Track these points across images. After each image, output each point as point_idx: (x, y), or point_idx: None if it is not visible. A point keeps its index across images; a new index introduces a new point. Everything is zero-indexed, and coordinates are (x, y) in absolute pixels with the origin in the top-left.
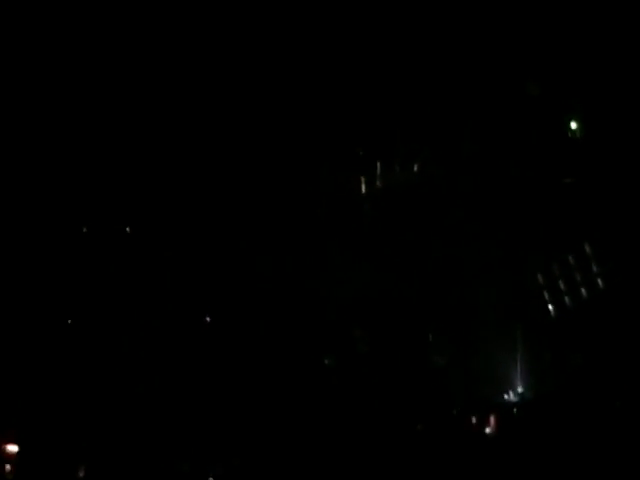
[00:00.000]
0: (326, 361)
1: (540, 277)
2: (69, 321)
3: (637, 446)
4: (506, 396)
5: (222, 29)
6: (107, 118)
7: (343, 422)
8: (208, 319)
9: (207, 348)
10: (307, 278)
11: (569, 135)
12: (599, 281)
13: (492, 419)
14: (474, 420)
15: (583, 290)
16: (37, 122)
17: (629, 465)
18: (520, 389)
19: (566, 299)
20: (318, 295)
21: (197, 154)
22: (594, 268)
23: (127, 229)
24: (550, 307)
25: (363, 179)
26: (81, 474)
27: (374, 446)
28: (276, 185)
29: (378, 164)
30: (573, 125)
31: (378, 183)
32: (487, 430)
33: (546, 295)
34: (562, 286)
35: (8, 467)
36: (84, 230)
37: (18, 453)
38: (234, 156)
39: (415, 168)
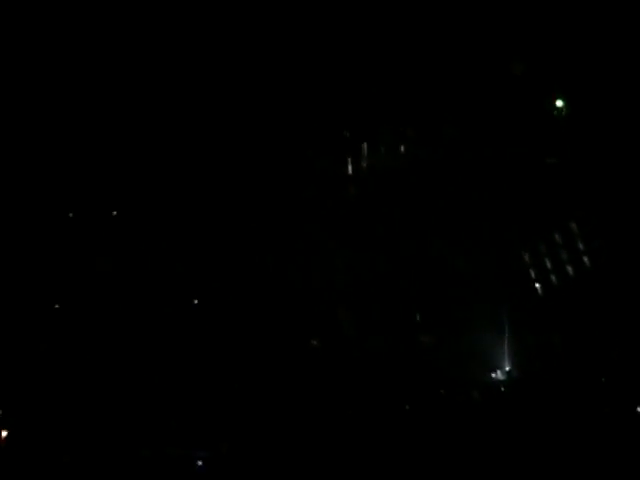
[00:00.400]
0: (314, 342)
1: (526, 256)
2: (56, 306)
3: (623, 424)
4: (493, 375)
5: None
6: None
7: (331, 404)
8: (195, 302)
9: (194, 333)
10: (293, 260)
11: (554, 114)
12: (585, 259)
13: (479, 398)
14: (462, 399)
15: (569, 269)
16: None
17: (616, 442)
18: (507, 368)
19: (552, 278)
20: (305, 277)
21: (183, 136)
22: (580, 247)
23: (114, 213)
24: (537, 286)
25: (349, 160)
26: (68, 458)
27: (362, 427)
28: (262, 168)
29: (364, 145)
30: (558, 103)
31: (364, 164)
32: (474, 409)
33: (532, 274)
34: (548, 265)
35: None
36: (70, 215)
37: (7, 438)
38: (221, 140)
39: (401, 149)
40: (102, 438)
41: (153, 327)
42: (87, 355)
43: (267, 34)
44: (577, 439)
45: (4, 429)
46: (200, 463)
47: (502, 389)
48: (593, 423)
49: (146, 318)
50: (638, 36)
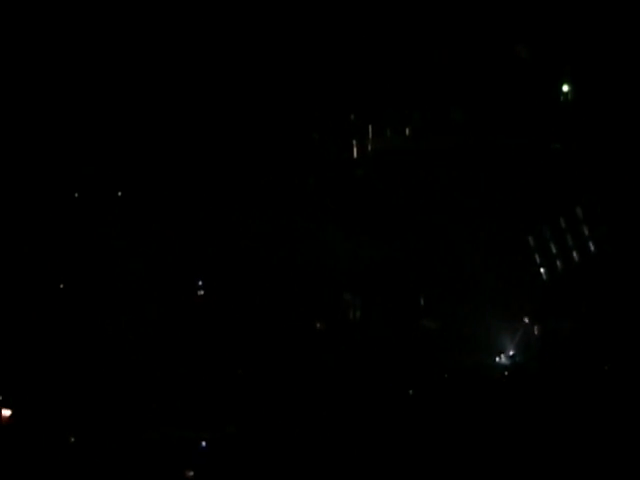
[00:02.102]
0: (318, 325)
1: (531, 241)
2: (61, 285)
3: (625, 409)
4: (497, 359)
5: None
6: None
7: (335, 387)
8: (200, 283)
9: (201, 317)
10: (298, 244)
11: (561, 99)
12: (590, 245)
13: (483, 382)
14: (465, 383)
15: (574, 254)
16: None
17: (618, 428)
18: (511, 352)
19: (557, 263)
20: (310, 261)
21: (188, 121)
22: (586, 232)
23: (119, 193)
24: (541, 271)
25: (355, 144)
26: (72, 439)
27: (366, 411)
28: (268, 151)
29: (370, 128)
30: (564, 88)
31: (370, 148)
32: (478, 393)
33: (537, 259)
34: (554, 250)
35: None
36: (76, 195)
37: (10, 417)
38: (226, 124)
39: (407, 133)
40: (107, 419)
41: (158, 308)
42: (92, 337)
43: (274, 17)
44: (580, 424)
45: (6, 408)
46: (204, 444)
47: (505, 373)
48: (596, 408)
49: (152, 302)
50: None
